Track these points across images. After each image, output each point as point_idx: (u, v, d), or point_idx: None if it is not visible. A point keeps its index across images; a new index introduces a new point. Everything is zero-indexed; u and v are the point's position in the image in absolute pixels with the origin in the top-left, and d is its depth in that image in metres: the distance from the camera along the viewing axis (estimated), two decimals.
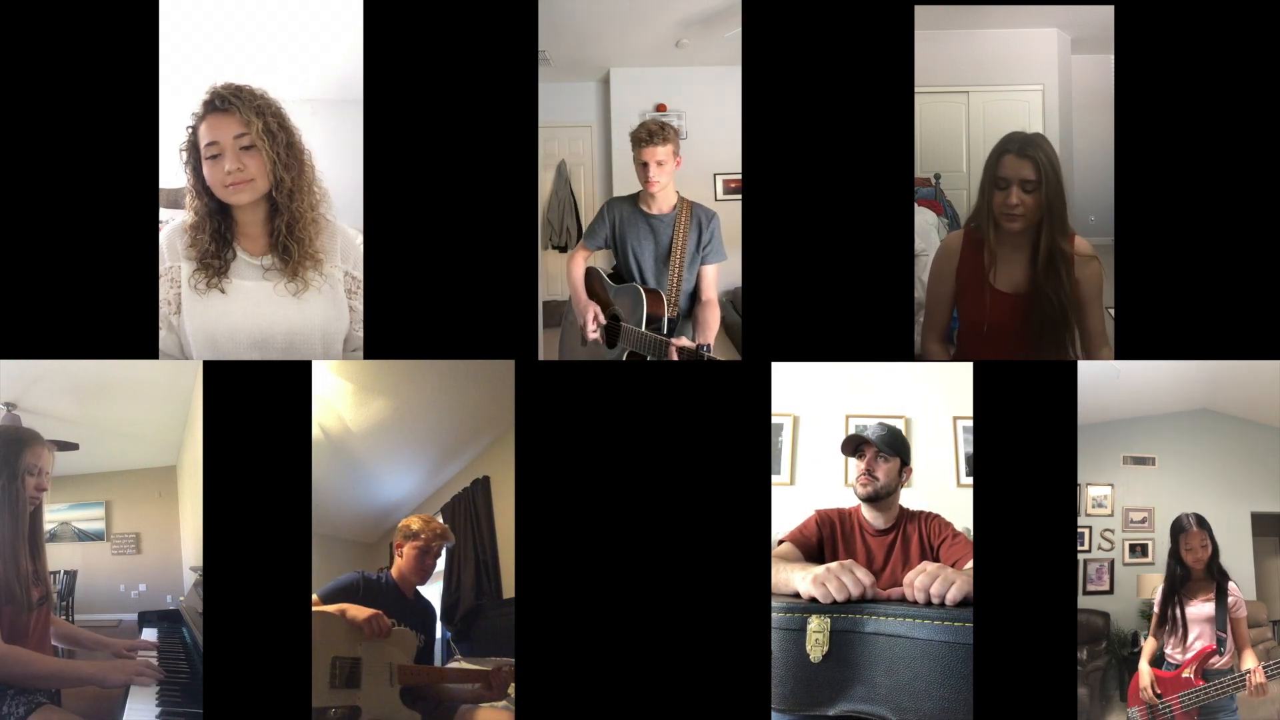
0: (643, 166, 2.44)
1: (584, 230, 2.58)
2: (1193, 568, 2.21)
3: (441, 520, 2.28)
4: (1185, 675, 2.17)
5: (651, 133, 2.43)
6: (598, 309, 2.51)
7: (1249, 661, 2.15)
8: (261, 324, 2.14)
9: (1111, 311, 2.22)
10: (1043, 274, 2.20)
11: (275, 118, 2.11)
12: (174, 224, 2.16)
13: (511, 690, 2.15)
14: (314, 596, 2.14)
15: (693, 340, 2.37)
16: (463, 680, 2.17)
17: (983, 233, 2.24)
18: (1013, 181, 2.19)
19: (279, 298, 2.14)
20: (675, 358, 2.31)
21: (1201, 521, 2.21)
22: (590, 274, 2.57)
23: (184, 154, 2.12)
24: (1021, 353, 2.23)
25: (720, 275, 2.49)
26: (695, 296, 2.50)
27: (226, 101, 2.09)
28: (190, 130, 2.11)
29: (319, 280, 2.16)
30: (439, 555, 2.25)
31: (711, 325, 2.48)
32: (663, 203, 2.49)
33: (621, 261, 2.54)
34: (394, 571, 2.21)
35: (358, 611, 2.11)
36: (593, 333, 2.50)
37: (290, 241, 2.13)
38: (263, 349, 2.14)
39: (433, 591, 2.28)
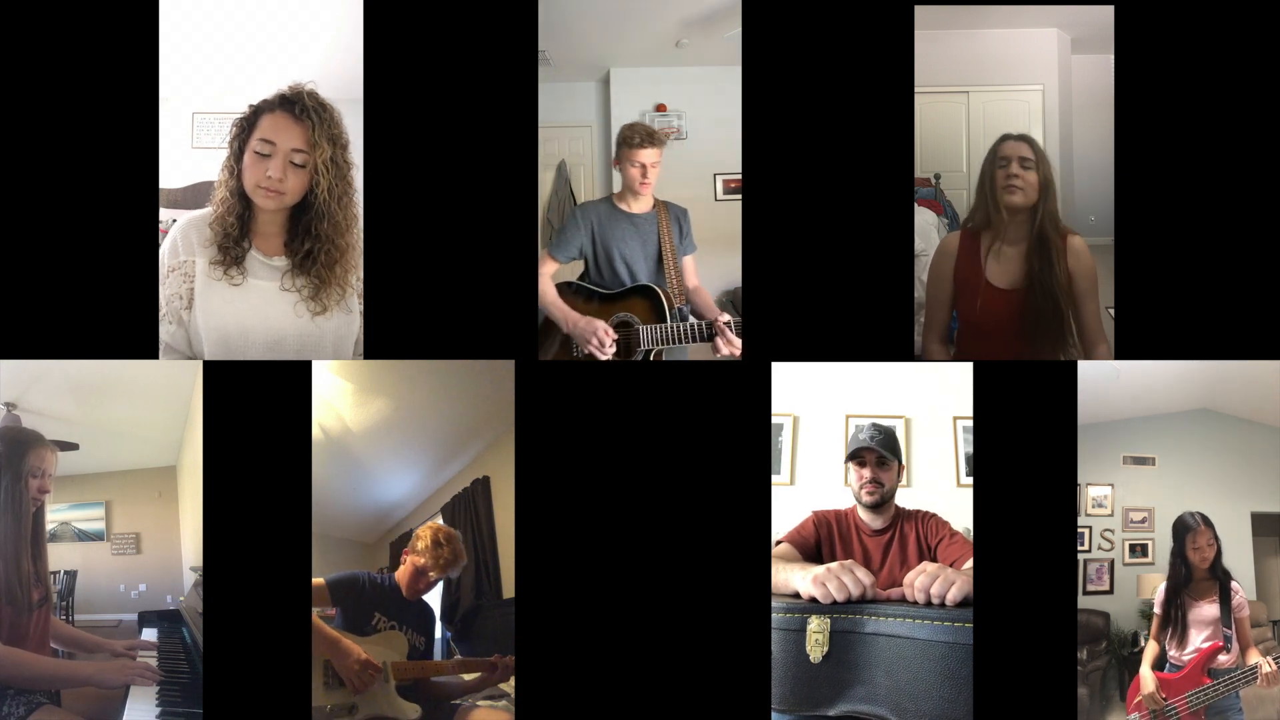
0: (637, 168, 2.45)
1: (551, 241, 2.48)
2: (1197, 567, 2.20)
3: (458, 544, 2.23)
4: (1192, 675, 2.16)
5: (649, 135, 2.44)
6: (604, 323, 2.41)
7: (1255, 658, 2.14)
8: (275, 325, 2.14)
9: (1111, 311, 2.22)
10: (1037, 262, 2.22)
11: (343, 150, 2.09)
12: (189, 217, 2.15)
13: (512, 687, 2.16)
14: (320, 580, 2.13)
15: (708, 320, 2.39)
16: (461, 670, 2.17)
17: (980, 224, 2.26)
18: (1012, 159, 2.24)
19: (296, 306, 2.14)
20: (729, 333, 2.31)
21: (1207, 520, 2.21)
22: (566, 290, 2.48)
23: (235, 129, 2.09)
24: (1018, 350, 2.23)
25: (720, 276, 2.49)
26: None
27: (305, 111, 2.05)
28: (253, 111, 2.07)
29: (339, 296, 2.16)
30: (435, 584, 2.22)
31: (711, 303, 2.50)
32: (644, 203, 2.50)
33: (604, 266, 2.49)
34: (397, 575, 2.21)
35: (351, 658, 2.08)
36: (606, 352, 2.39)
37: (324, 270, 2.12)
38: (275, 350, 2.14)
39: (433, 593, 2.28)
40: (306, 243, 2.11)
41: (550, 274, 2.46)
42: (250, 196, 2.09)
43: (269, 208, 2.09)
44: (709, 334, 2.35)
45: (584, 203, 2.51)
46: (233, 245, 2.11)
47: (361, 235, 2.18)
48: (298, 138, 2.06)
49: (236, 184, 2.08)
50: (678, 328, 2.40)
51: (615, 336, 2.40)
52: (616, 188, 2.51)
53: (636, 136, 2.44)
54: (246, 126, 2.07)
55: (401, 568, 2.21)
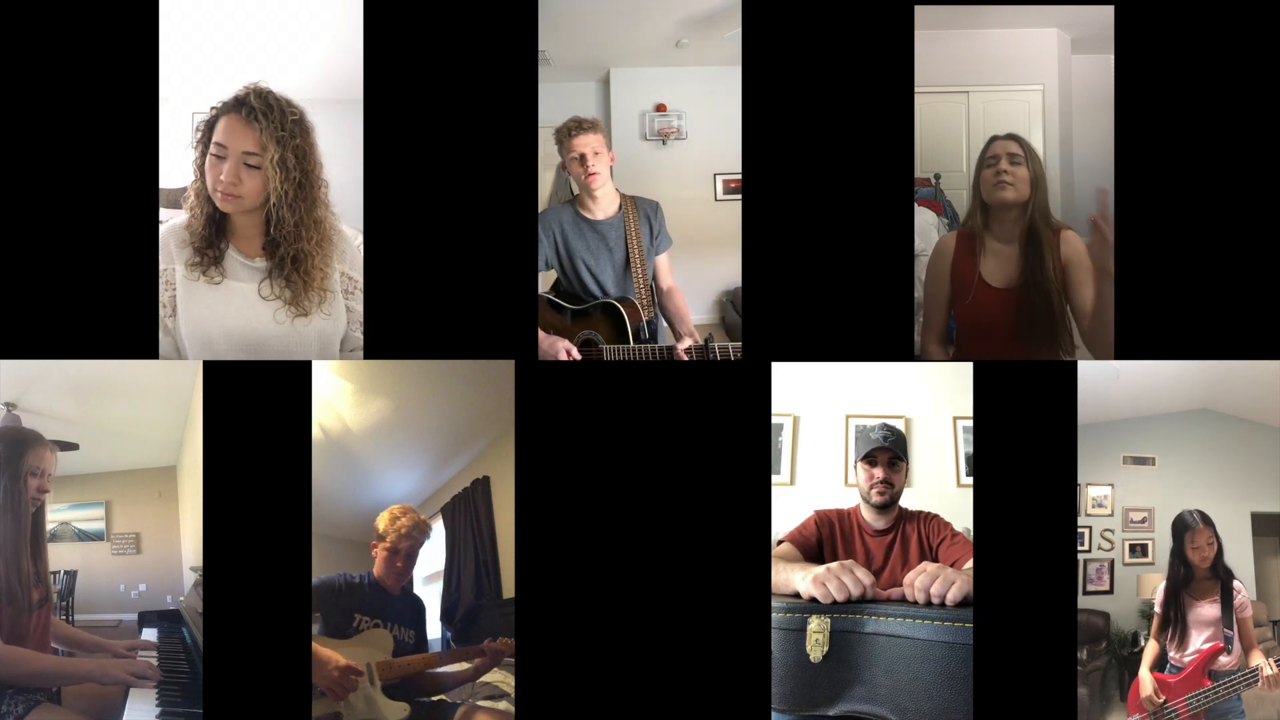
0: (579, 160, 2.37)
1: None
2: (1198, 566, 2.20)
3: (414, 513, 2.23)
4: (1192, 676, 2.16)
5: (579, 122, 2.36)
6: (567, 343, 2.34)
7: (1257, 660, 2.14)
8: (258, 328, 2.14)
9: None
10: (1029, 259, 2.23)
11: (295, 152, 2.06)
12: (168, 225, 2.16)
13: (512, 687, 2.15)
14: None
15: (682, 336, 2.35)
16: (450, 662, 2.16)
17: (975, 225, 2.27)
18: (1000, 156, 2.25)
19: (276, 312, 2.13)
20: (684, 359, 2.30)
21: (1206, 519, 2.21)
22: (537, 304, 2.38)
23: (199, 133, 2.09)
24: (1015, 349, 2.23)
25: (716, 276, 2.49)
26: (655, 288, 2.46)
27: (253, 113, 2.04)
28: (214, 115, 2.07)
29: (319, 299, 2.15)
30: (410, 555, 2.22)
31: (684, 311, 2.43)
32: (607, 205, 2.43)
33: (572, 277, 2.44)
34: (375, 571, 2.21)
35: (330, 666, 2.07)
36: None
37: (295, 274, 2.11)
38: (258, 351, 2.14)
39: (432, 591, 2.28)
40: (280, 247, 2.11)
41: None
42: (211, 199, 2.08)
43: (228, 210, 2.09)
44: (670, 358, 2.32)
45: (545, 211, 2.41)
46: (207, 247, 2.11)
47: (344, 237, 2.17)
48: (249, 140, 2.05)
49: (202, 186, 2.09)
50: (638, 350, 2.36)
51: (579, 357, 2.34)
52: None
53: (568, 126, 2.36)
54: (208, 130, 2.07)
55: (375, 562, 2.21)
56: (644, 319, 2.41)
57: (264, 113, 2.04)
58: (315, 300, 2.13)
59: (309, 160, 2.10)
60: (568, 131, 2.37)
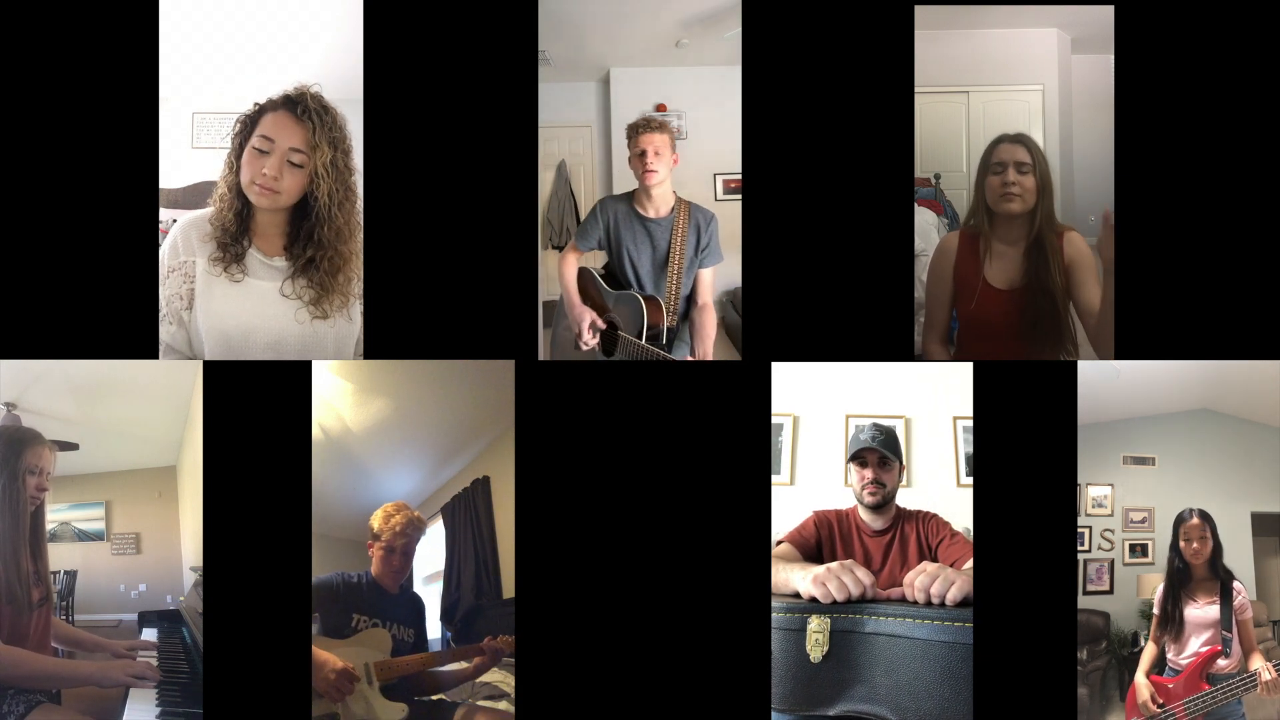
0: (639, 156, 2.41)
1: (576, 229, 2.52)
2: (1191, 562, 2.20)
3: (407, 510, 2.24)
4: (1190, 680, 2.16)
5: (647, 120, 2.41)
6: (594, 316, 2.46)
7: (1257, 664, 2.14)
8: (275, 326, 2.14)
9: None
10: (1034, 262, 2.22)
11: (345, 155, 2.09)
12: (189, 217, 2.15)
13: (512, 687, 2.15)
14: None
15: (696, 355, 2.38)
16: (449, 661, 2.16)
17: (978, 226, 2.26)
18: (1008, 164, 2.23)
19: (298, 312, 2.14)
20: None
21: (1205, 515, 2.21)
22: (584, 276, 2.51)
23: (237, 126, 2.09)
24: (1018, 350, 2.23)
25: (718, 276, 2.49)
26: (690, 300, 2.49)
27: (307, 112, 2.05)
28: (257, 110, 2.08)
29: (341, 303, 2.16)
30: (406, 553, 2.22)
31: (709, 331, 2.45)
32: (660, 204, 2.46)
33: (616, 265, 2.50)
34: (373, 572, 2.21)
35: (326, 669, 2.08)
36: (589, 341, 2.45)
37: (327, 278, 2.12)
38: (276, 350, 2.14)
39: (432, 591, 2.28)
40: (309, 249, 2.11)
41: (574, 260, 2.50)
42: (246, 193, 2.09)
43: (263, 205, 2.09)
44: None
45: (607, 197, 2.50)
46: (231, 243, 2.11)
47: (363, 241, 2.18)
48: (297, 137, 2.06)
49: (235, 180, 2.09)
50: (644, 349, 2.39)
51: (603, 327, 2.44)
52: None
53: (637, 124, 2.41)
54: (249, 124, 2.08)
55: (372, 561, 2.21)
56: (664, 324, 2.42)
57: (319, 113, 2.06)
58: (337, 303, 2.14)
59: (350, 165, 2.12)
60: (635, 129, 2.42)
